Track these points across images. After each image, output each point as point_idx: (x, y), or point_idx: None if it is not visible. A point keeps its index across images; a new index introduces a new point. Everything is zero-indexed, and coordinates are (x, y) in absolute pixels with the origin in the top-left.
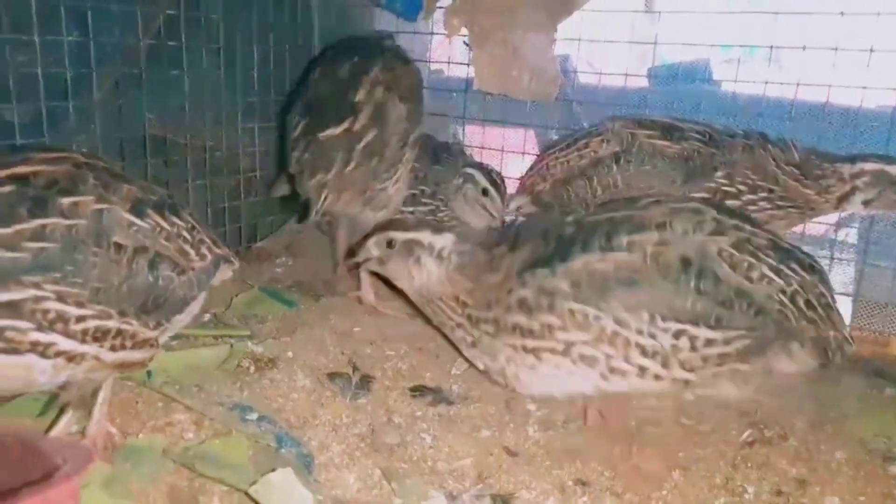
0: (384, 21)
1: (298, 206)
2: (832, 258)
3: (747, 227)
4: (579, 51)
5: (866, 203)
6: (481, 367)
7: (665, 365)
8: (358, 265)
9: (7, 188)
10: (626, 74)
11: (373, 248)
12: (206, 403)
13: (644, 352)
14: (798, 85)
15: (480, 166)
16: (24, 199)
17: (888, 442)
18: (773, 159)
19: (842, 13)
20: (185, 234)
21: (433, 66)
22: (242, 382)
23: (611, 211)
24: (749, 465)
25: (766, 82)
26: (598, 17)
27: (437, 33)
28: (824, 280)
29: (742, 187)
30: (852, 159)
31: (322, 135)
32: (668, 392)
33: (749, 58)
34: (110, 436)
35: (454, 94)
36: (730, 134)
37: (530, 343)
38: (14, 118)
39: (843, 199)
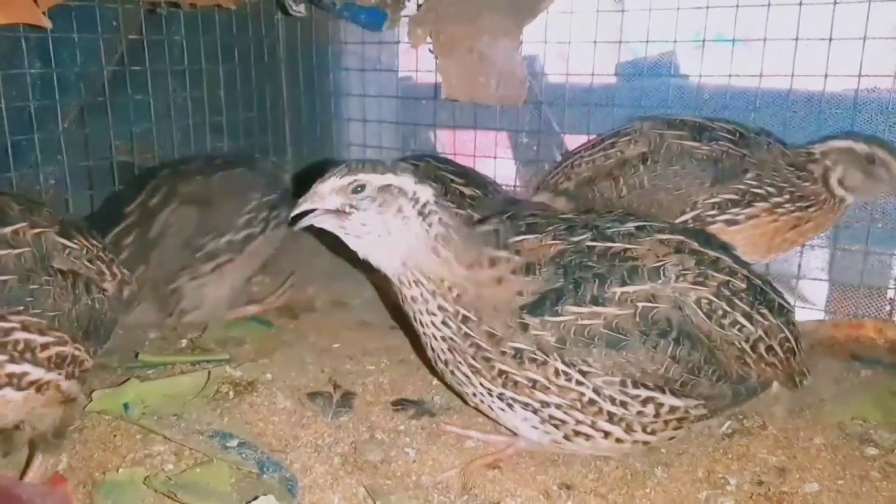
0: (349, 33)
1: None
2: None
3: (727, 260)
4: (545, 51)
5: (841, 184)
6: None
7: (628, 431)
8: (295, 220)
9: None
10: (593, 74)
11: (330, 195)
12: (185, 433)
13: (611, 419)
14: (762, 76)
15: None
16: None
17: (864, 424)
18: (781, 157)
19: (800, 3)
20: (101, 254)
21: (402, 75)
22: (222, 408)
23: (606, 239)
24: (730, 456)
25: (731, 75)
26: (565, 17)
27: (404, 42)
28: (790, 322)
29: (771, 189)
30: (823, 139)
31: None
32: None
33: (714, 50)
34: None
35: (423, 102)
36: (756, 132)
37: (509, 393)
38: None
39: (824, 182)
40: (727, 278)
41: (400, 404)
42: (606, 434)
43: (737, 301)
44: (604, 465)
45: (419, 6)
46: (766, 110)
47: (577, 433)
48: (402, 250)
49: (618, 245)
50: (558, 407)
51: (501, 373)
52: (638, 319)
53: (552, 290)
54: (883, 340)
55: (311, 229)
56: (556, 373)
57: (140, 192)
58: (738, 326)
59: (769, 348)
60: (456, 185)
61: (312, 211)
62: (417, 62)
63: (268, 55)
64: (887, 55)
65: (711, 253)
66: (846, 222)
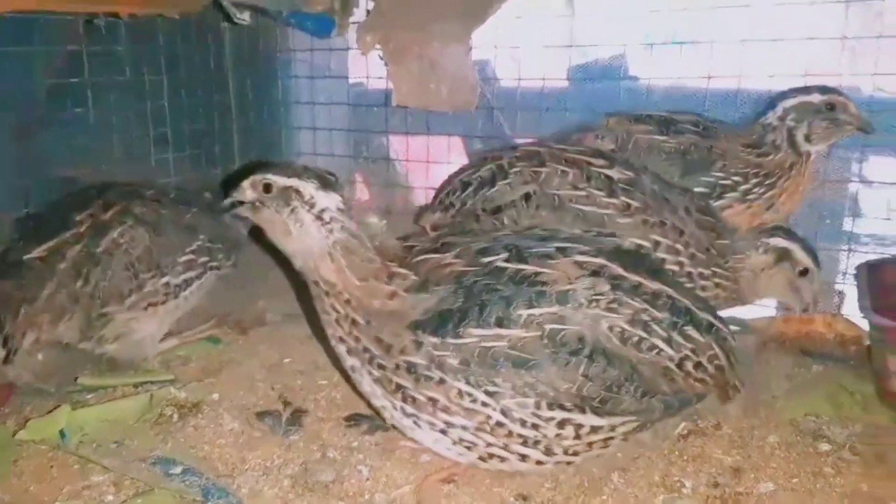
0: (297, 40)
1: None
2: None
3: (649, 286)
4: (496, 56)
5: (807, 139)
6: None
7: (548, 453)
8: (230, 208)
9: None
10: (544, 78)
11: (247, 189)
12: (126, 461)
13: (525, 442)
14: (710, 77)
15: (793, 236)
16: None
17: (817, 420)
18: (736, 141)
19: (747, 5)
20: None
21: (352, 82)
22: (165, 433)
23: (520, 261)
24: (685, 458)
25: (680, 77)
26: (516, 21)
27: (354, 49)
28: (721, 338)
29: (737, 178)
30: (771, 105)
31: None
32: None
33: (663, 51)
34: None
35: (375, 109)
36: (713, 122)
37: (410, 409)
38: None
39: (792, 145)
40: (644, 306)
41: (353, 420)
42: (523, 457)
43: (654, 327)
44: (560, 473)
45: (368, 13)
46: (716, 111)
47: (492, 455)
48: (300, 249)
49: (530, 268)
50: (464, 429)
51: (399, 387)
52: (545, 341)
53: (450, 310)
54: (832, 335)
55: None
56: (460, 394)
57: (91, 203)
58: (656, 350)
59: (697, 365)
60: (595, 167)
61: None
62: (368, 68)
63: (214, 64)
64: (831, 56)
65: (633, 278)
66: (792, 220)
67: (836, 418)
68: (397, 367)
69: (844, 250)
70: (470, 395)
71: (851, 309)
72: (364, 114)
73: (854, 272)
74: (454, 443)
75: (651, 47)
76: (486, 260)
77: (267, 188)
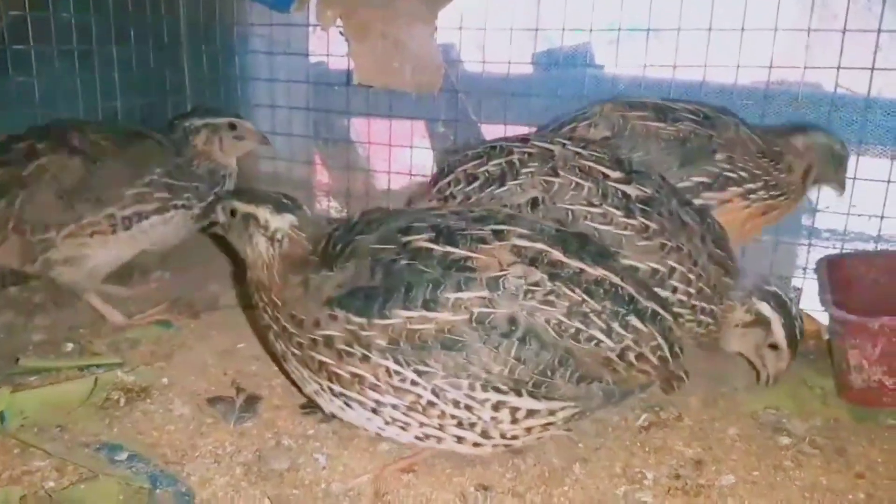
0: (256, 14)
1: None
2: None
3: (592, 273)
4: (461, 39)
5: (815, 180)
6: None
7: (484, 436)
8: (206, 228)
9: None
10: (510, 62)
11: (219, 212)
12: (69, 446)
13: (460, 424)
14: (675, 66)
15: (783, 308)
16: None
17: (777, 413)
18: (751, 142)
19: None
20: None
21: (312, 60)
22: (111, 417)
23: (449, 243)
24: (647, 449)
25: (646, 65)
26: (483, 3)
27: (314, 25)
28: (665, 328)
29: (744, 174)
30: (802, 130)
31: None
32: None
33: (629, 40)
34: None
35: (336, 88)
36: (721, 111)
37: (337, 388)
38: None
39: (804, 178)
40: (582, 297)
41: (309, 407)
42: (459, 438)
43: (593, 318)
44: (521, 463)
45: None
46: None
47: (427, 436)
48: (253, 260)
49: (459, 252)
50: (395, 408)
51: (322, 364)
52: (474, 324)
53: (373, 288)
54: None
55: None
56: (388, 372)
57: (35, 134)
58: (595, 342)
59: (640, 356)
60: (612, 182)
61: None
62: (329, 46)
63: (168, 37)
64: (795, 46)
65: (574, 264)
66: None
67: (796, 412)
68: (314, 342)
69: (805, 245)
70: (399, 373)
71: (811, 303)
72: (325, 93)
73: (814, 267)
74: (387, 423)
75: (618, 34)
76: (407, 239)
77: (232, 213)
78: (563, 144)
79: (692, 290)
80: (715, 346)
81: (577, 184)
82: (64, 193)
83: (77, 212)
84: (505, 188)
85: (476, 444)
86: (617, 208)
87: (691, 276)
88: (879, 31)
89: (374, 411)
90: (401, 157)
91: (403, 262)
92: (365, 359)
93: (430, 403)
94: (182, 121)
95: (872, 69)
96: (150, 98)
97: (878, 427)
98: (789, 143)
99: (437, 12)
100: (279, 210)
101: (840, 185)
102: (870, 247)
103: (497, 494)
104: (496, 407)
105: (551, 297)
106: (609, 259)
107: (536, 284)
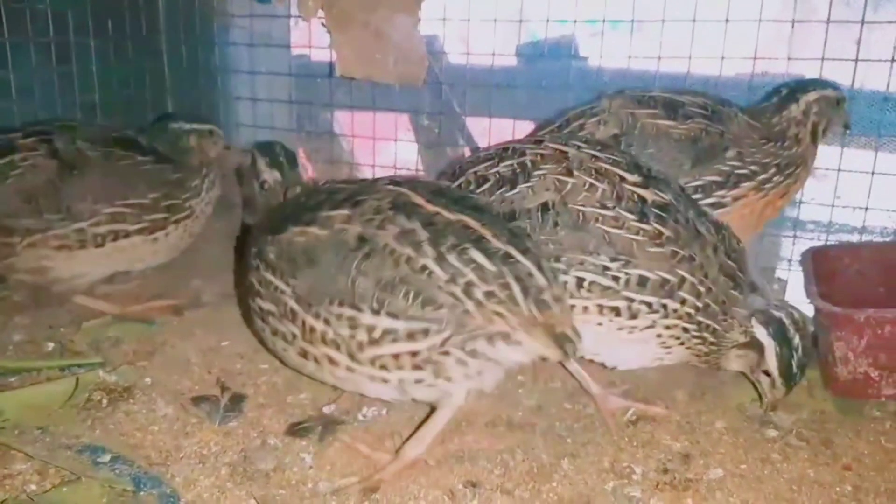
0: (236, 5)
1: None
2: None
3: (446, 215)
4: (445, 30)
5: (825, 133)
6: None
7: (353, 358)
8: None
9: None
10: (494, 54)
11: (248, 157)
12: (50, 448)
13: (325, 339)
14: (660, 58)
15: (782, 335)
16: None
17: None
18: (753, 130)
19: None
20: None
21: (294, 52)
22: (93, 419)
23: (348, 187)
24: (635, 444)
25: (630, 56)
26: None
27: (296, 16)
28: (522, 272)
29: (754, 167)
30: (792, 98)
31: None
32: (395, 396)
33: (613, 31)
34: None
35: (318, 80)
36: (721, 103)
37: (253, 303)
38: None
39: (814, 139)
40: (414, 227)
41: (299, 425)
42: (332, 360)
43: (426, 247)
44: (510, 459)
45: None
46: None
47: (305, 353)
48: (249, 201)
49: (349, 188)
50: (272, 315)
51: (251, 284)
52: (334, 238)
53: (285, 214)
54: None
55: None
56: (265, 282)
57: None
58: (427, 271)
59: (489, 294)
60: (629, 185)
61: None
62: (311, 38)
63: (147, 28)
64: (779, 38)
65: (431, 209)
66: None
67: (783, 404)
68: (249, 264)
69: (790, 236)
70: (271, 283)
71: (795, 296)
72: (307, 85)
73: (800, 259)
74: (273, 333)
75: (602, 26)
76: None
77: (251, 157)
78: (579, 147)
79: (700, 305)
80: (716, 367)
81: (592, 185)
82: (32, 198)
83: (45, 221)
84: (516, 191)
85: (349, 370)
86: (630, 212)
87: (701, 289)
88: (863, 22)
89: (263, 320)
90: (385, 150)
91: (312, 194)
92: (256, 269)
93: (293, 312)
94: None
95: (856, 61)
96: (128, 90)
97: (863, 419)
98: (788, 117)
99: (421, 3)
100: (272, 165)
101: (847, 125)
102: (854, 238)
103: (486, 491)
104: (352, 324)
105: (386, 224)
106: (483, 213)
107: (378, 211)
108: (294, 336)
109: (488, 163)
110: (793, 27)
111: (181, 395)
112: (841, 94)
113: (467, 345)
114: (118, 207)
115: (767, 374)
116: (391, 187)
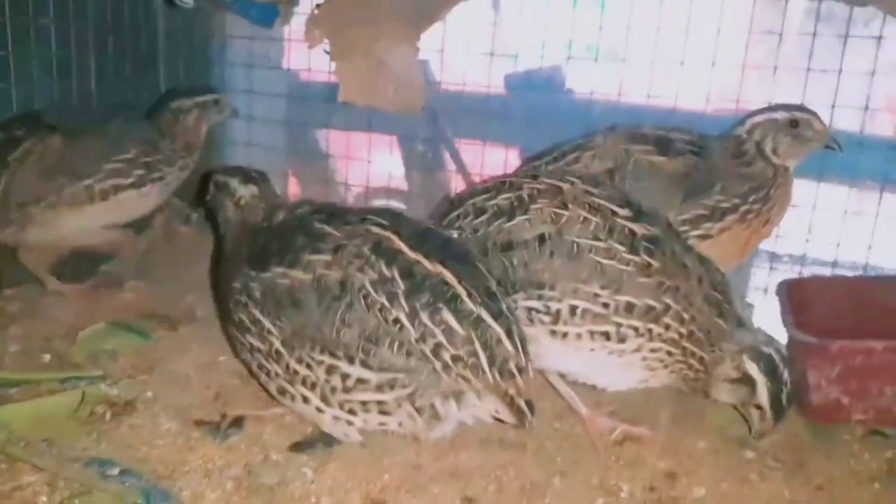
0: (236, 26)
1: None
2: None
3: (426, 266)
4: (443, 60)
5: (775, 153)
6: None
7: (325, 401)
8: (199, 203)
9: None
10: (489, 86)
11: (211, 187)
12: (58, 461)
13: (304, 382)
14: (649, 96)
15: (772, 371)
16: None
17: (742, 428)
18: (724, 153)
19: (687, 30)
20: None
21: (291, 73)
22: (99, 432)
23: (327, 223)
24: (622, 463)
25: (620, 93)
26: (463, 26)
27: (294, 39)
28: (490, 338)
29: (736, 200)
30: (743, 119)
31: None
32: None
33: (605, 67)
34: None
35: (314, 102)
36: (705, 137)
37: (241, 337)
38: None
39: (764, 158)
40: (392, 275)
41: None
42: (305, 399)
43: (401, 300)
44: (503, 476)
45: (317, 6)
46: None
47: (284, 391)
48: (223, 224)
49: (327, 228)
50: (259, 352)
51: (227, 310)
52: (315, 284)
53: (266, 247)
54: None
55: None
56: (254, 320)
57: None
58: (398, 324)
59: (456, 358)
60: (620, 218)
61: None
62: (309, 61)
63: (146, 46)
64: (762, 82)
65: (412, 256)
66: None
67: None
68: (230, 292)
69: (766, 268)
70: (260, 322)
71: (767, 323)
72: (302, 107)
73: (776, 290)
74: (259, 367)
75: (595, 60)
76: (305, 216)
77: (216, 184)
78: (573, 182)
79: (683, 332)
80: (706, 394)
81: (586, 218)
82: (45, 170)
83: (57, 184)
84: (513, 222)
85: (319, 410)
86: (621, 244)
87: (685, 316)
88: (840, 70)
89: (250, 353)
90: (378, 172)
91: (294, 231)
92: (245, 306)
93: (279, 353)
94: (169, 102)
95: (833, 106)
96: (126, 108)
97: (834, 442)
98: (735, 135)
99: (420, 34)
100: (248, 181)
101: (829, 145)
102: (827, 271)
103: None
104: (329, 371)
105: (365, 267)
106: (465, 263)
107: (358, 256)
108: (277, 374)
109: (486, 195)
110: (774, 73)
111: (182, 411)
112: (794, 116)
113: (433, 400)
114: (114, 163)
115: (758, 407)
116: (375, 230)
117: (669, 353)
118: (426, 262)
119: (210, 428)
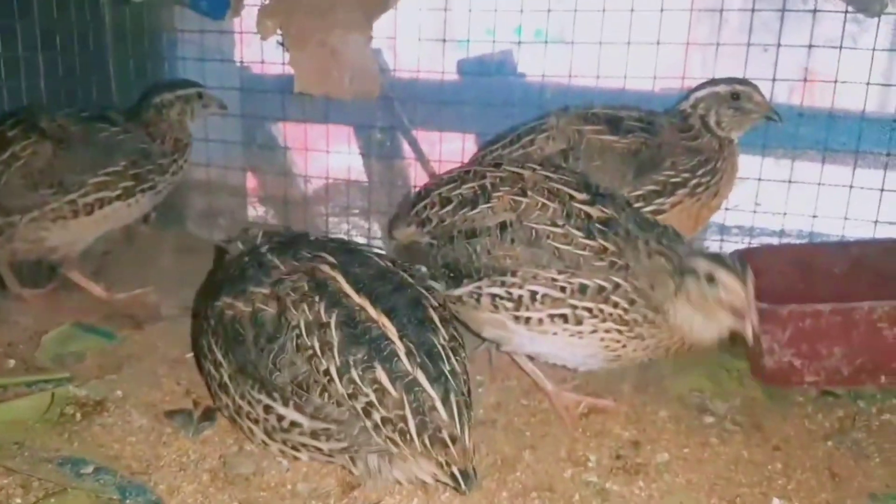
0: (186, 19)
1: None
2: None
3: (370, 313)
4: (395, 47)
5: (719, 126)
6: None
7: (269, 436)
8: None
9: None
10: (443, 72)
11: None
12: (30, 462)
13: (249, 416)
14: (598, 77)
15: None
16: None
17: (701, 395)
18: (671, 128)
19: (632, 10)
20: None
21: (244, 66)
22: (70, 432)
23: (278, 256)
24: (588, 434)
25: (570, 76)
26: (415, 13)
27: (246, 31)
28: (422, 404)
29: (686, 174)
30: (686, 96)
31: None
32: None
33: (555, 50)
34: None
35: (269, 95)
36: (652, 114)
37: (203, 359)
38: None
39: (709, 131)
40: (326, 321)
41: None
42: (251, 430)
43: (332, 352)
44: (476, 453)
45: None
46: None
47: (233, 419)
48: None
49: (276, 261)
50: (213, 379)
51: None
52: (254, 318)
53: (227, 277)
54: None
55: None
56: (210, 348)
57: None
58: (327, 376)
59: (385, 420)
60: (577, 203)
61: None
62: (262, 53)
63: (93, 42)
64: (706, 58)
65: (357, 301)
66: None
67: (717, 393)
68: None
69: (717, 241)
70: (212, 351)
71: None
72: (257, 99)
73: None
74: (214, 393)
75: (545, 46)
76: (267, 241)
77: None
78: (534, 169)
79: (627, 306)
80: (688, 347)
81: (544, 204)
82: (30, 176)
83: (41, 198)
84: (477, 210)
85: (264, 443)
86: (578, 229)
87: (628, 288)
88: (779, 45)
89: (210, 376)
90: (339, 162)
91: (249, 261)
92: (206, 332)
93: (225, 386)
94: (152, 98)
95: (773, 80)
96: (76, 104)
97: (789, 404)
98: (681, 110)
99: (373, 22)
100: (242, 241)
101: (770, 117)
102: (774, 241)
103: None
104: (266, 409)
105: (302, 304)
106: (414, 311)
107: (295, 290)
108: (227, 406)
109: (451, 185)
110: (717, 49)
111: (154, 407)
112: (735, 89)
113: (368, 456)
114: (101, 177)
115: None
116: (324, 268)
117: (619, 332)
118: (371, 310)
119: (182, 417)
